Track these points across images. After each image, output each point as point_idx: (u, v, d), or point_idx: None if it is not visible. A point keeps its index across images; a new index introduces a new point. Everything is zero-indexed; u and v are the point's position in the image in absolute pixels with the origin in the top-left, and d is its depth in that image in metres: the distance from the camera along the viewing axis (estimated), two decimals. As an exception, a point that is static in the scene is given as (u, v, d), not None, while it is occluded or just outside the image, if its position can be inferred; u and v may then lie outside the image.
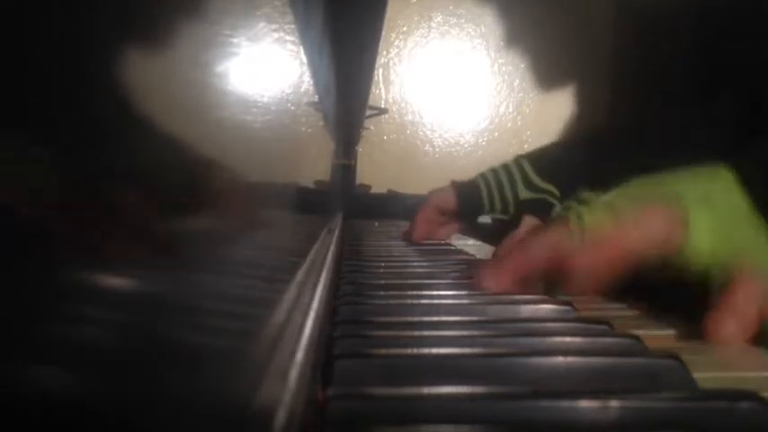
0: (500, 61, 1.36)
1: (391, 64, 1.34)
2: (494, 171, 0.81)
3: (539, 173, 0.79)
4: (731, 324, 0.36)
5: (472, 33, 1.35)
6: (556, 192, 0.78)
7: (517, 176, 0.79)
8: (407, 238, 0.80)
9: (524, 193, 0.79)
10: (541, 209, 0.72)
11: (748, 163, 0.42)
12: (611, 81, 1.28)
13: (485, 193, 0.79)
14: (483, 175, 0.81)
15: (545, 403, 0.24)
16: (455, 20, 1.35)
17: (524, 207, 0.76)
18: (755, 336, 0.36)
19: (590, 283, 0.41)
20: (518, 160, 0.81)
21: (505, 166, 0.81)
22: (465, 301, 0.42)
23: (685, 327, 0.37)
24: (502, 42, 1.32)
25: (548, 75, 1.32)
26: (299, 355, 0.23)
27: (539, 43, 1.33)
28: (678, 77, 0.94)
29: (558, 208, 0.53)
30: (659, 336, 0.36)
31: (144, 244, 0.13)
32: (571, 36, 1.30)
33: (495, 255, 0.48)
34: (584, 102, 1.32)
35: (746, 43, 0.75)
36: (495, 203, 0.79)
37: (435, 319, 0.37)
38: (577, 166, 0.75)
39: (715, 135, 0.65)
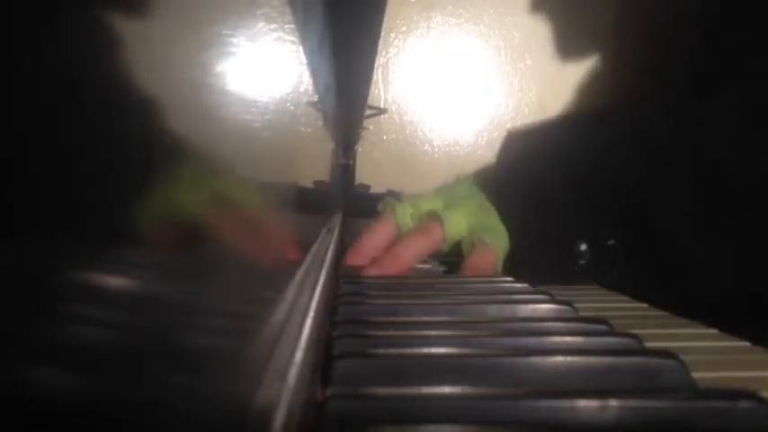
0: (499, 61, 1.36)
1: (390, 64, 1.34)
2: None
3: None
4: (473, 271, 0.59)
5: (472, 33, 1.35)
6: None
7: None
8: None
9: None
10: None
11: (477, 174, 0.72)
12: (611, 81, 1.28)
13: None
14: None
15: (545, 403, 0.24)
16: (455, 20, 1.35)
17: None
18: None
19: (398, 263, 0.60)
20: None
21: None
22: (465, 301, 0.42)
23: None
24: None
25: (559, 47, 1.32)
26: (299, 355, 0.23)
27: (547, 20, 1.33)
28: (679, 78, 0.94)
29: (381, 204, 0.67)
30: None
31: (143, 244, 0.13)
32: (571, 36, 1.30)
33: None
34: (584, 101, 1.32)
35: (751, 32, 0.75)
36: None
37: (435, 318, 0.37)
38: None
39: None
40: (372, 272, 0.58)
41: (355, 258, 0.62)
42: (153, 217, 0.13)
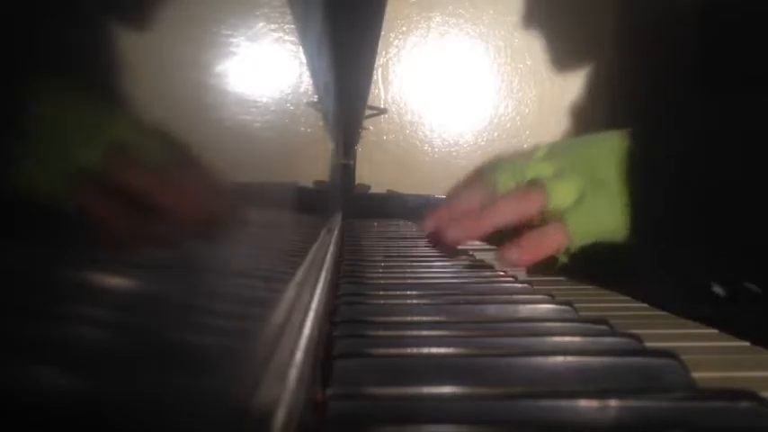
0: (499, 61, 1.36)
1: (390, 64, 1.34)
2: None
3: None
4: (515, 252, 0.51)
5: (472, 33, 1.35)
6: None
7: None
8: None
9: None
10: None
11: (637, 133, 0.56)
12: (611, 81, 1.28)
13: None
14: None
15: (544, 403, 0.24)
16: (454, 20, 1.35)
17: None
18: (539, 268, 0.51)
19: (479, 224, 0.55)
20: None
21: None
22: (465, 301, 0.42)
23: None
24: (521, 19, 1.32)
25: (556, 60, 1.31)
26: (299, 355, 0.23)
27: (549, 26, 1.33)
28: (681, 79, 0.94)
29: (482, 165, 0.61)
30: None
31: (143, 244, 0.13)
32: (571, 35, 1.30)
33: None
34: (583, 102, 1.32)
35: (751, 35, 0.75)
36: None
37: (435, 318, 0.37)
38: None
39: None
40: (450, 233, 0.53)
41: (440, 220, 0.56)
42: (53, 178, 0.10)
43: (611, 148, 0.56)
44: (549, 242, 0.53)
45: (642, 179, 0.54)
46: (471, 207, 0.55)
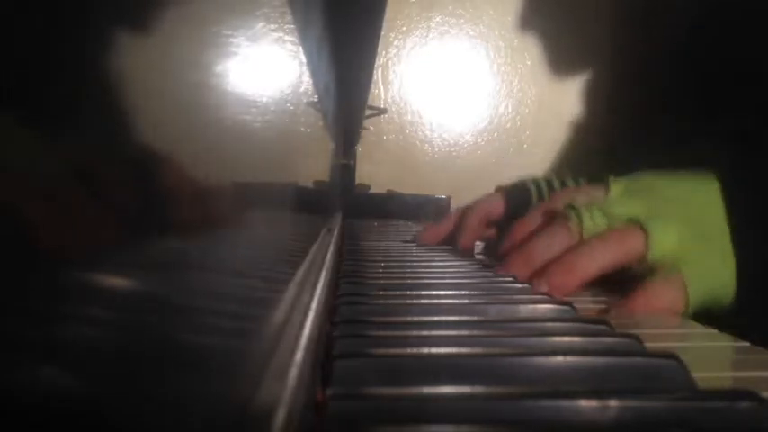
0: (499, 61, 1.36)
1: (390, 64, 1.34)
2: (543, 178, 0.75)
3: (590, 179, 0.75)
4: (641, 304, 0.44)
5: (471, 33, 1.35)
6: None
7: (569, 180, 0.74)
8: (447, 241, 0.75)
9: None
10: None
11: (735, 176, 0.50)
12: (611, 81, 1.28)
13: (534, 194, 0.72)
14: (533, 179, 0.75)
15: (544, 403, 0.24)
16: (454, 20, 1.35)
17: None
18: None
19: (568, 281, 0.47)
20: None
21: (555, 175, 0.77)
22: (465, 301, 0.42)
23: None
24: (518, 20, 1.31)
25: (555, 65, 1.31)
26: (299, 355, 0.23)
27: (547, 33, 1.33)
28: (678, 81, 0.94)
29: (561, 207, 0.53)
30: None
31: (143, 244, 0.13)
32: (570, 36, 1.30)
33: (508, 240, 0.55)
34: (583, 102, 1.32)
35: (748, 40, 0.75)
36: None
37: (435, 318, 0.37)
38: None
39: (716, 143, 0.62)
40: (541, 287, 0.46)
41: (519, 266, 0.48)
42: None
43: (710, 192, 0.50)
44: (667, 303, 0.46)
45: (752, 234, 0.48)
46: (552, 255, 0.48)
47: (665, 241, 0.47)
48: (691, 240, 0.47)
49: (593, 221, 0.49)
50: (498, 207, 0.72)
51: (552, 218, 0.52)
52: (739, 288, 0.47)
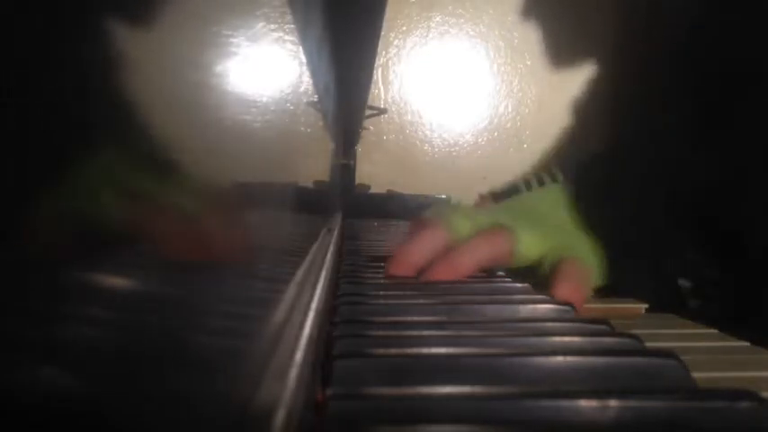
0: (499, 61, 1.36)
1: (390, 64, 1.34)
2: (533, 174, 0.79)
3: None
4: (566, 290, 0.49)
5: (471, 33, 1.35)
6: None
7: (558, 175, 0.78)
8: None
9: None
10: None
11: (574, 185, 0.61)
12: (611, 81, 1.28)
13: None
14: (524, 180, 0.78)
15: (545, 403, 0.24)
16: (454, 20, 1.35)
17: None
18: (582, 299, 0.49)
19: (455, 269, 0.52)
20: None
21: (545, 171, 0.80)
22: (465, 302, 0.42)
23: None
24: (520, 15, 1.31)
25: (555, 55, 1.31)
26: (299, 355, 0.23)
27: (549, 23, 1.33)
28: (678, 81, 0.94)
29: (430, 210, 0.60)
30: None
31: (143, 244, 0.13)
32: (570, 35, 1.30)
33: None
34: (583, 102, 1.32)
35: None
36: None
37: (435, 318, 0.37)
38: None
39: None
40: (437, 276, 0.51)
41: (400, 268, 0.53)
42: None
43: (554, 198, 0.60)
44: (584, 282, 0.52)
45: (592, 214, 0.58)
46: (430, 254, 0.53)
47: (529, 236, 0.54)
48: (552, 234, 0.55)
49: (460, 226, 0.55)
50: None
51: (423, 224, 0.58)
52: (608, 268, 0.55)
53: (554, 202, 0.60)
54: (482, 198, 0.78)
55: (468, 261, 0.52)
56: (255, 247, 0.25)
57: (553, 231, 0.56)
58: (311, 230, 0.48)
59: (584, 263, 0.53)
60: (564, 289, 0.48)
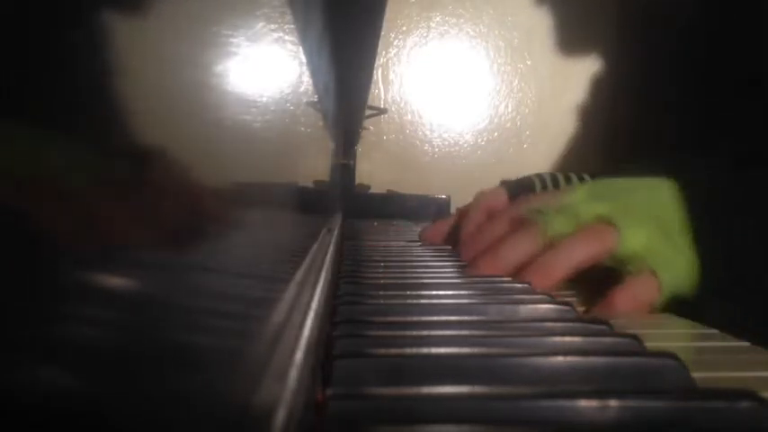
0: (499, 61, 1.36)
1: (390, 64, 1.34)
2: (548, 173, 0.77)
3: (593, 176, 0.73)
4: (623, 300, 0.46)
5: (471, 33, 1.35)
6: None
7: (573, 177, 0.75)
8: (450, 239, 0.74)
9: None
10: None
11: (689, 181, 0.53)
12: (611, 81, 1.28)
13: (538, 189, 0.73)
14: (537, 174, 0.76)
15: (544, 403, 0.24)
16: (454, 20, 1.35)
17: None
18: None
19: (548, 280, 0.49)
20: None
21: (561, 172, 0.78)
22: (465, 301, 0.42)
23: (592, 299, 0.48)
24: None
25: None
26: (299, 355, 0.23)
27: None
28: (681, 84, 0.94)
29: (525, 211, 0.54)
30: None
31: (143, 244, 0.13)
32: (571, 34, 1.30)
33: (468, 241, 0.58)
34: (583, 102, 1.32)
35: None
36: None
37: (435, 318, 0.37)
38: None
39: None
40: (533, 284, 0.47)
41: (490, 268, 0.50)
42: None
43: (670, 196, 0.52)
44: (646, 297, 0.47)
45: (710, 232, 0.50)
46: (523, 255, 0.50)
47: (635, 237, 0.49)
48: (657, 237, 0.50)
49: (560, 224, 0.50)
50: (501, 200, 0.70)
51: (520, 222, 0.53)
52: (702, 279, 0.49)
53: (665, 197, 0.52)
54: (504, 184, 0.73)
55: (567, 263, 0.48)
56: (255, 246, 0.25)
57: (657, 232, 0.50)
58: (311, 230, 0.48)
59: (663, 275, 0.48)
60: (621, 299, 0.45)
